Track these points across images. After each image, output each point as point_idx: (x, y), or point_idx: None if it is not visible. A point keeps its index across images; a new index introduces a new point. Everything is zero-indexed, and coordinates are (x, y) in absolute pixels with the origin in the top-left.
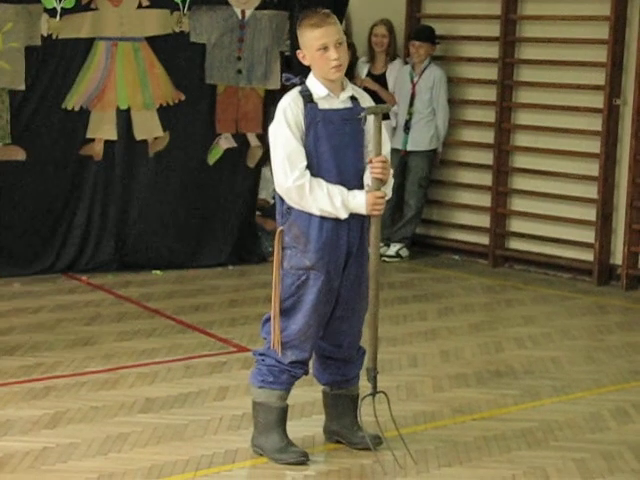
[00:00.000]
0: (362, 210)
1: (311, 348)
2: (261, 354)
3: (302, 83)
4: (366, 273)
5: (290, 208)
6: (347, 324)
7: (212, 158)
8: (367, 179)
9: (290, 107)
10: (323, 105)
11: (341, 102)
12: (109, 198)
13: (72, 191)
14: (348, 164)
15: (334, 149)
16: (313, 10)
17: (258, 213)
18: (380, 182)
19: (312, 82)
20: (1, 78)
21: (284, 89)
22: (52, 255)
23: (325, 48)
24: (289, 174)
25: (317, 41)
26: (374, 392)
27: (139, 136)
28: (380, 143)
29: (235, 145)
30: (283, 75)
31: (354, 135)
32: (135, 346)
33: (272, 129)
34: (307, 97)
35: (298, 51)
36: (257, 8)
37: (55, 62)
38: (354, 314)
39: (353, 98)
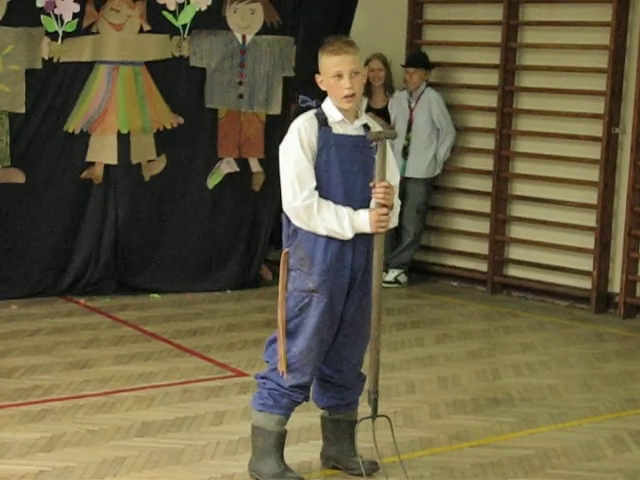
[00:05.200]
0: (367, 228)
1: (312, 373)
2: (262, 377)
3: (318, 106)
4: (370, 300)
5: (296, 230)
6: (349, 350)
7: (212, 182)
8: (373, 205)
9: (304, 127)
10: (337, 130)
11: (354, 129)
12: (108, 221)
13: (72, 214)
14: (356, 191)
15: (344, 175)
16: (336, 37)
17: None
18: (383, 208)
19: (328, 106)
20: (1, 101)
21: (286, 114)
22: (50, 278)
23: (339, 76)
24: (298, 194)
25: (333, 68)
26: (374, 415)
27: (135, 159)
28: (383, 168)
29: (237, 170)
30: (300, 97)
31: (365, 163)
32: (132, 370)
33: (283, 148)
34: (322, 120)
35: (317, 75)
36: (258, 33)
37: (56, 85)
38: (356, 341)
39: (366, 127)
